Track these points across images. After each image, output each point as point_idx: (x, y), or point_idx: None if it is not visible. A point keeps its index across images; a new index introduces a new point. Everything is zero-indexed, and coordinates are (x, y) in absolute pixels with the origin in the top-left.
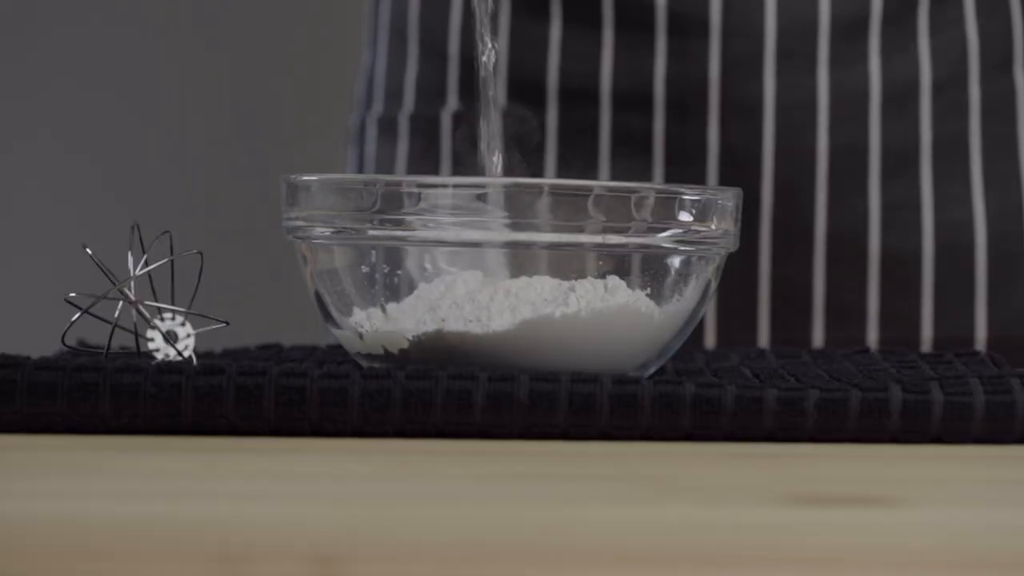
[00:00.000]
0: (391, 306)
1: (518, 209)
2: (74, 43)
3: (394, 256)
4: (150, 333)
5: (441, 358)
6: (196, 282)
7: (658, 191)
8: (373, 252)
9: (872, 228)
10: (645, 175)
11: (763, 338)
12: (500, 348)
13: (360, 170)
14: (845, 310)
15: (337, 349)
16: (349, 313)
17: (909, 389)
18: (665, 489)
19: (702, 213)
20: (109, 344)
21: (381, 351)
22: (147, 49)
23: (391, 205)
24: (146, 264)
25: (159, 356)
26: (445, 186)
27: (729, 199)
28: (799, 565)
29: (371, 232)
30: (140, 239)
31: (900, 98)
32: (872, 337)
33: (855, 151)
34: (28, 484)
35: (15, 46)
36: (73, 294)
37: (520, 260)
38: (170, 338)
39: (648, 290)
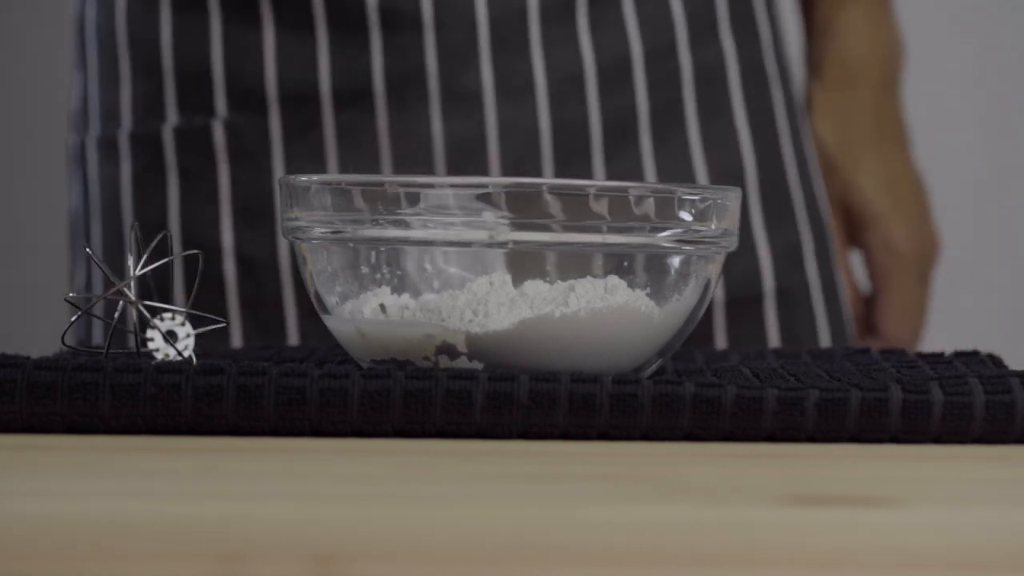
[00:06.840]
0: (391, 306)
1: (517, 209)
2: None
3: (393, 257)
4: (150, 333)
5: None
6: (196, 282)
7: (658, 191)
8: (372, 253)
9: None
10: (373, 171)
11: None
12: (500, 348)
13: (86, 193)
14: None
15: (337, 349)
16: (349, 313)
17: (909, 389)
18: (665, 489)
19: (702, 213)
20: (109, 344)
21: (381, 351)
22: None
23: (390, 206)
24: (146, 264)
25: (159, 356)
26: (445, 187)
27: (729, 199)
28: (799, 565)
29: (370, 233)
30: (140, 239)
31: (614, 72)
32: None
33: (576, 127)
34: (28, 484)
35: (14, 44)
36: (73, 294)
37: (519, 260)
38: (170, 338)
39: (648, 290)
